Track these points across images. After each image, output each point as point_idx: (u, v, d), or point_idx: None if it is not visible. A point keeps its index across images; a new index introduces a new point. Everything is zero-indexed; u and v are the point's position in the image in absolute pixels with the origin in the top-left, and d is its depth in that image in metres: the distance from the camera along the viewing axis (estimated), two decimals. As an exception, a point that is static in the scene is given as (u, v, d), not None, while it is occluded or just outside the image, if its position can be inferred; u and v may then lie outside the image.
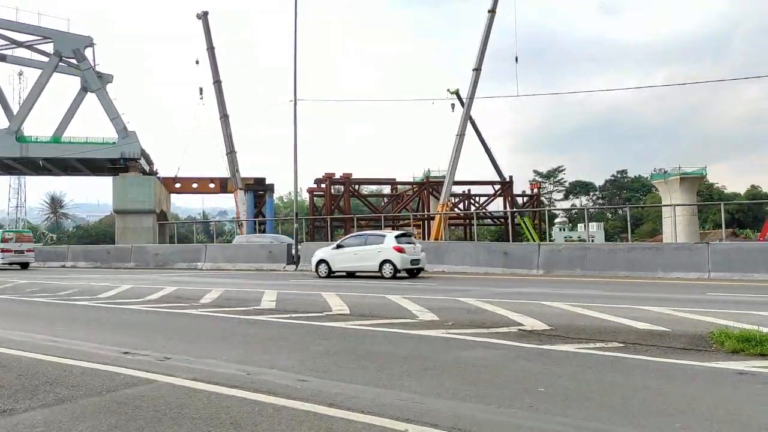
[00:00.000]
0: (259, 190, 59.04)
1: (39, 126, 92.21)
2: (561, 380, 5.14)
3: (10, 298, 13.26)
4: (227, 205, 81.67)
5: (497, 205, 64.75)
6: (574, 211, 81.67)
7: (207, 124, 49.07)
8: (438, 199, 54.06)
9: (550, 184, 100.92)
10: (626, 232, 42.45)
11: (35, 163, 54.43)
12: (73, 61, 52.79)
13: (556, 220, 74.16)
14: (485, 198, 65.41)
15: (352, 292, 13.11)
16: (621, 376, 5.35)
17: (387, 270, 18.81)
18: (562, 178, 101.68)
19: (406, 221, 59.89)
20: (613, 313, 8.90)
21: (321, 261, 20.31)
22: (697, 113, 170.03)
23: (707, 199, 76.32)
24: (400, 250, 18.87)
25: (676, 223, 54.16)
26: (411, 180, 69.61)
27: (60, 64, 52.90)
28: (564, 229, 71.39)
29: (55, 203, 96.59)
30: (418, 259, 19.44)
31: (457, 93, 52.31)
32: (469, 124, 49.09)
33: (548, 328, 7.78)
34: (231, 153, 51.15)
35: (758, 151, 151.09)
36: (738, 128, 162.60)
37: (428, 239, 48.58)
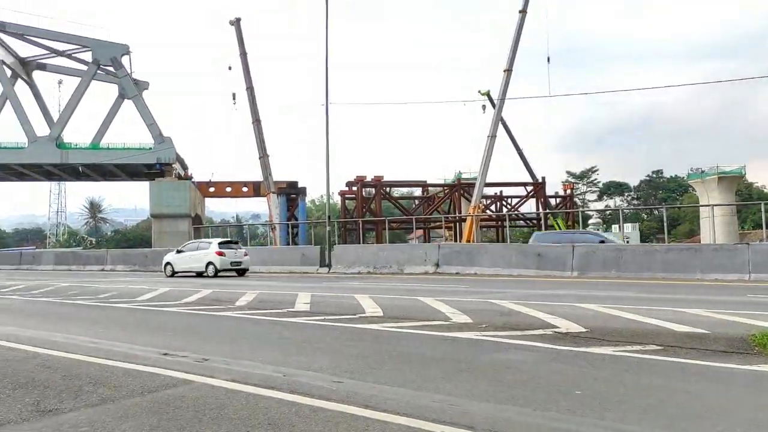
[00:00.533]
0: (291, 193, 59.60)
1: (78, 133, 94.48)
2: (598, 383, 5.10)
3: (53, 301, 13.64)
4: (260, 208, 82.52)
5: (530, 207, 64.14)
6: (608, 212, 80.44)
7: (239, 129, 49.73)
8: (469, 201, 53.77)
9: (584, 184, 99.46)
10: (662, 232, 41.57)
11: (75, 169, 55.89)
12: (111, 68, 54.07)
13: (590, 222, 73.19)
14: (517, 199, 64.84)
15: (385, 294, 13.15)
16: (659, 379, 5.27)
17: (210, 270, 23.41)
18: (596, 179, 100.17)
19: (438, 223, 59.76)
20: (650, 316, 8.76)
21: (167, 263, 24.95)
22: (734, 111, 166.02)
23: (746, 199, 74.35)
24: (221, 254, 23.57)
25: (715, 223, 52.85)
26: (442, 182, 69.42)
27: (98, 72, 54.25)
28: (598, 231, 70.36)
29: (94, 208, 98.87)
30: (240, 261, 24.06)
31: (488, 94, 52.01)
32: (500, 125, 48.80)
33: (584, 330, 7.70)
34: (264, 157, 51.73)
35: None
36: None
37: (460, 241, 48.35)
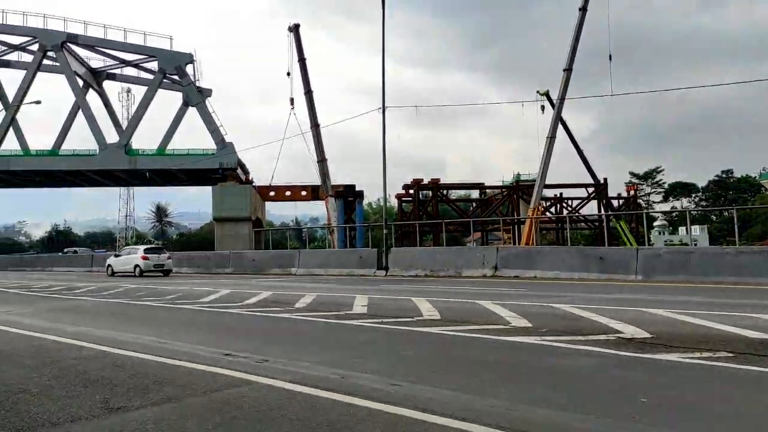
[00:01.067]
0: (348, 196, 60.07)
1: (144, 139, 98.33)
2: (664, 391, 4.91)
3: (122, 302, 14.18)
4: (318, 212, 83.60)
5: (591, 209, 62.62)
6: (674, 214, 77.58)
7: (298, 134, 50.51)
8: (528, 203, 52.97)
9: (648, 185, 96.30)
10: (733, 235, 39.80)
11: (143, 175, 57.98)
12: (176, 77, 55.92)
13: (655, 224, 70.68)
14: (578, 201, 63.42)
15: (442, 297, 13.08)
16: (731, 387, 5.03)
17: (137, 271, 28.15)
18: (661, 179, 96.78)
19: (496, 226, 59.04)
20: (721, 321, 8.38)
21: (108, 265, 30.74)
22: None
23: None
24: (146, 258, 28.38)
25: (790, 224, 50.21)
26: (500, 184, 68.58)
27: (163, 80, 56.20)
28: (664, 233, 67.89)
29: (161, 212, 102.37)
30: (162, 264, 28.63)
31: (547, 94, 51.08)
32: (560, 126, 47.87)
33: (649, 336, 7.44)
34: (322, 161, 52.42)
35: None
36: None
37: (518, 244, 47.63)
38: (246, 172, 61.16)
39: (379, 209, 70.56)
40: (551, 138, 45.72)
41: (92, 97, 61.47)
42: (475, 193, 74.16)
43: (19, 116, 57.02)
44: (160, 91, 56.76)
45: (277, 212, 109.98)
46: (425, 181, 63.61)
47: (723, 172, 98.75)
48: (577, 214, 62.59)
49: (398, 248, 28.21)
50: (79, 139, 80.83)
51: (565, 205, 64.16)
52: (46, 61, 56.04)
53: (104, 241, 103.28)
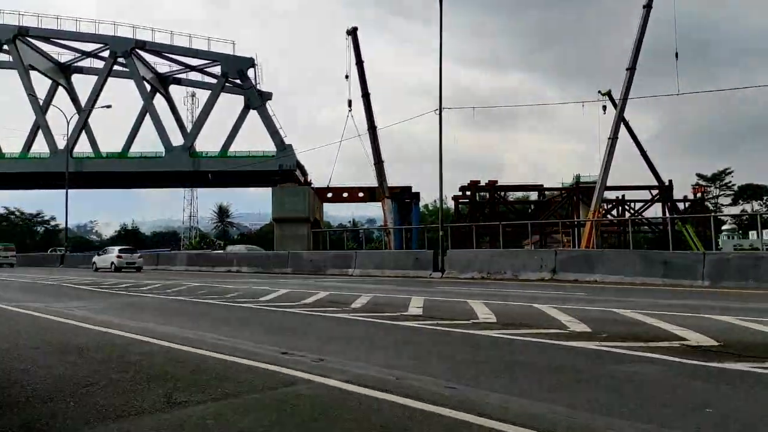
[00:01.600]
0: (405, 198, 60.15)
1: (206, 140, 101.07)
2: (733, 401, 4.70)
3: (185, 299, 14.61)
4: (375, 213, 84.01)
5: (655, 212, 60.68)
6: (744, 217, 74.26)
7: (355, 136, 51.00)
8: (588, 206, 51.74)
9: (716, 187, 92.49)
10: (810, 240, 37.84)
11: (205, 176, 59.68)
12: (238, 81, 57.32)
13: (724, 228, 67.93)
14: (641, 204, 61.54)
15: (498, 300, 12.93)
16: (806, 401, 4.77)
17: (113, 267, 34.65)
18: (730, 182, 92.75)
19: (554, 228, 57.94)
20: (795, 331, 7.97)
21: (93, 262, 37.37)
22: None
23: None
24: (120, 257, 35.13)
25: None
26: (559, 185, 67.25)
27: (225, 84, 57.71)
28: (733, 237, 65.21)
29: (223, 213, 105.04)
30: (134, 262, 35.32)
31: (609, 94, 49.82)
32: (622, 126, 46.59)
33: (716, 343, 7.13)
34: (378, 163, 52.68)
35: None
36: None
37: (578, 247, 46.58)
38: (305, 173, 62.11)
39: (435, 211, 70.35)
40: (613, 139, 44.60)
41: (158, 100, 63.72)
42: (533, 195, 73.01)
43: (90, 120, 59.69)
44: (222, 94, 58.31)
45: (335, 213, 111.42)
46: (482, 183, 63.02)
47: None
48: (639, 217, 60.74)
49: (454, 250, 28.02)
50: (146, 142, 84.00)
51: (627, 207, 62.36)
52: (116, 67, 58.41)
53: (169, 240, 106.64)
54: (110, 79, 59.11)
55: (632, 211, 62.02)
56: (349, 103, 53.21)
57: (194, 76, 64.28)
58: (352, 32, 52.82)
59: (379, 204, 55.83)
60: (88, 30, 58.66)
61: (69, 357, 6.68)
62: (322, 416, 4.24)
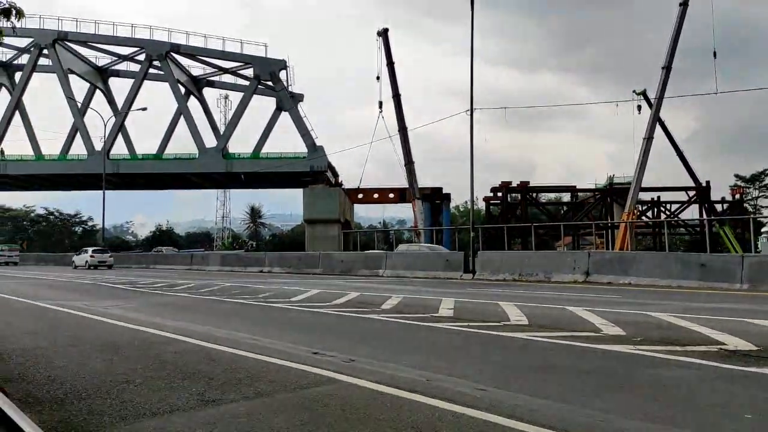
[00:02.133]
0: (435, 199, 60.01)
1: (238, 141, 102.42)
2: (772, 409, 4.58)
3: (218, 299, 14.81)
4: (405, 214, 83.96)
5: (692, 213, 59.41)
6: (786, 219, 72.19)
7: (386, 137, 51.16)
8: (622, 207, 50.91)
9: (756, 189, 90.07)
10: None
11: (238, 177, 60.40)
12: (269, 83, 57.89)
13: (763, 230, 66.08)
14: (677, 205, 60.33)
15: (530, 302, 12.80)
16: None
17: (87, 265, 39.55)
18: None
19: (587, 230, 57.15)
20: (839, 336, 7.72)
21: (72, 260, 42.41)
22: None
23: None
24: (93, 257, 40.07)
25: None
26: (593, 186, 66.30)
27: (258, 86, 58.32)
28: (770, 240, 63.38)
29: (255, 214, 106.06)
30: (105, 261, 40.47)
31: (644, 93, 49.00)
32: (658, 126, 45.76)
33: (755, 348, 6.96)
34: (409, 164, 52.63)
35: None
36: None
37: (612, 249, 45.86)
38: (335, 174, 62.40)
39: (466, 212, 70.05)
40: (648, 139, 43.83)
41: (192, 102, 64.71)
42: (566, 197, 72.14)
43: (126, 122, 60.91)
44: (254, 96, 58.93)
45: (365, 214, 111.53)
46: (514, 184, 62.51)
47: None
48: (675, 218, 59.56)
49: (485, 252, 27.82)
50: (180, 144, 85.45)
51: (662, 209, 61.21)
52: (151, 70, 59.52)
53: (203, 240, 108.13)
54: (146, 82, 60.25)
55: (668, 213, 60.84)
56: (380, 104, 53.33)
57: (227, 78, 65.14)
58: (383, 33, 52.88)
59: (410, 205, 55.78)
60: (125, 34, 59.94)
61: (106, 355, 6.84)
62: (352, 416, 4.26)
